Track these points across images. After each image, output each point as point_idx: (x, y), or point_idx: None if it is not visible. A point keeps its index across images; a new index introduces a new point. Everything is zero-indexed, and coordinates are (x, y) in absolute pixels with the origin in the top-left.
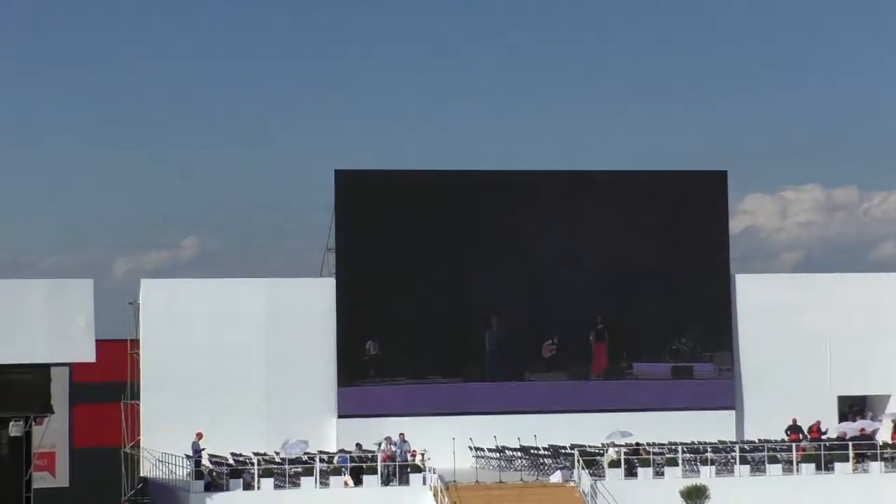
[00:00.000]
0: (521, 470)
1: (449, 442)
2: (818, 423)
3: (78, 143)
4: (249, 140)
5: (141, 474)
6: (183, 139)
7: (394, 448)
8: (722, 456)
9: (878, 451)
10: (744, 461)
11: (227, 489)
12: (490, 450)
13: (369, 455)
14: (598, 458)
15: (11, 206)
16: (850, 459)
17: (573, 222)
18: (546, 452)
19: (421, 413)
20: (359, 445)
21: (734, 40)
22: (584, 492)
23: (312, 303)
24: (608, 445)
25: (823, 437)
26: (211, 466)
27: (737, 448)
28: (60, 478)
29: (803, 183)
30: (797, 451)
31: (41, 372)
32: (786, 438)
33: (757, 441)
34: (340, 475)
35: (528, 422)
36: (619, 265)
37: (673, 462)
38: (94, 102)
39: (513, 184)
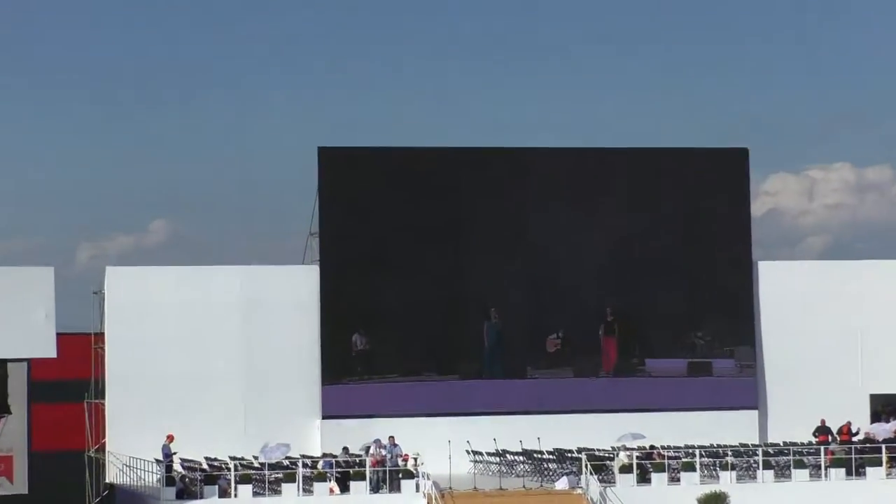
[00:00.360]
0: (523, 476)
1: (444, 445)
2: (849, 423)
3: (35, 116)
4: (224, 114)
5: (106, 480)
6: (151, 112)
7: (384, 452)
8: (743, 460)
9: None
10: (767, 466)
11: (201, 497)
12: (489, 454)
13: (357, 460)
14: (608, 462)
15: None
16: (884, 464)
17: (580, 204)
18: (550, 456)
19: (413, 413)
20: (346, 449)
21: (757, 7)
22: (592, 499)
23: (294, 292)
24: (619, 449)
25: (854, 439)
26: (183, 472)
27: (759, 451)
28: (18, 484)
29: (831, 161)
30: (826, 454)
31: None
32: (813, 441)
33: (782, 444)
34: (325, 481)
35: (531, 423)
36: (631, 252)
37: (690, 467)
38: (54, 73)
39: (514, 161)
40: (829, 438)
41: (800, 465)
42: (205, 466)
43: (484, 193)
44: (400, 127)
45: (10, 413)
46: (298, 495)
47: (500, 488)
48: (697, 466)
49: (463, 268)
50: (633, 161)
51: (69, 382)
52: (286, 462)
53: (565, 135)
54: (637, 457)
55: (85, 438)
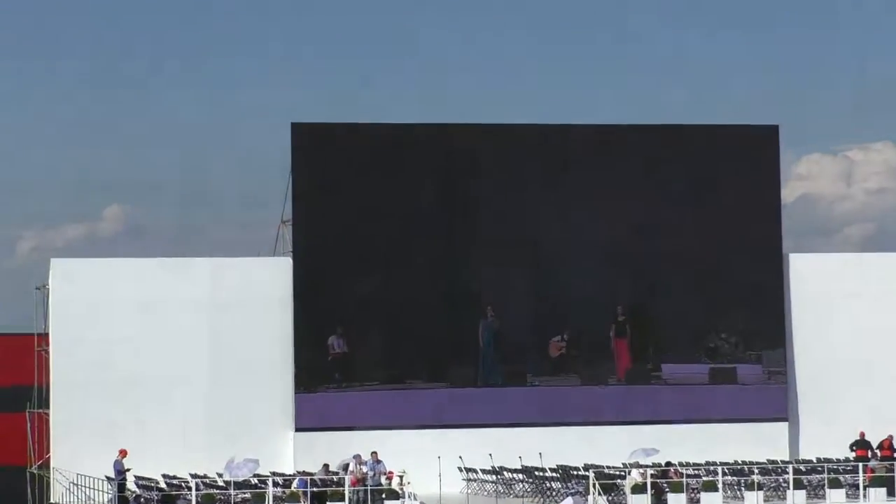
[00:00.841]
0: (522, 496)
1: (433, 461)
2: (891, 437)
3: None
4: (187, 89)
5: (52, 500)
6: (104, 88)
7: (365, 469)
8: (772, 479)
9: None
10: (799, 485)
11: None
12: (485, 471)
13: (334, 478)
14: (619, 481)
15: None
16: None
17: (589, 188)
18: (554, 474)
19: (399, 425)
20: (325, 466)
21: None
22: None
23: (265, 288)
24: (631, 466)
25: None
26: (138, 491)
27: (790, 469)
28: None
29: (872, 140)
30: (865, 472)
31: None
32: (851, 457)
33: (815, 460)
34: (299, 503)
35: (532, 436)
36: (645, 243)
37: (711, 486)
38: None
39: (515, 140)
40: (869, 454)
41: (835, 484)
42: (162, 485)
43: (482, 175)
44: (385, 102)
45: None
46: None
47: None
48: (720, 486)
49: (456, 260)
50: (647, 140)
51: (9, 390)
52: (254, 480)
53: (573, 111)
54: (651, 475)
55: (26, 453)
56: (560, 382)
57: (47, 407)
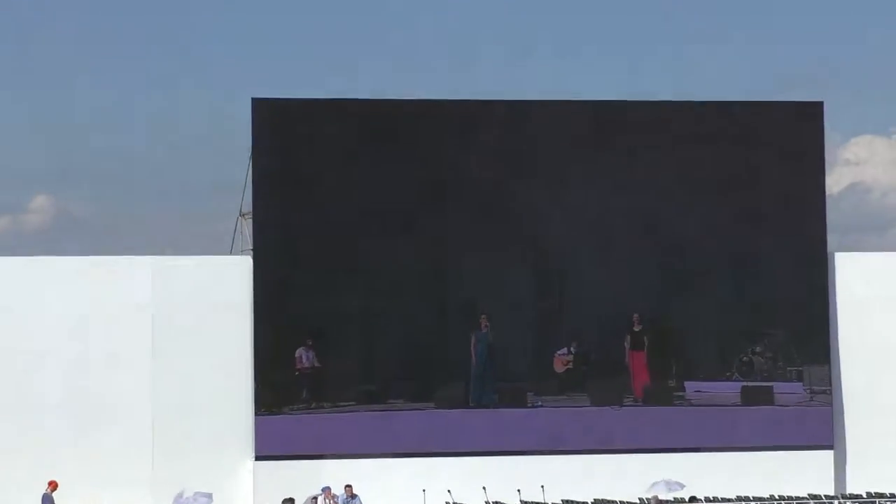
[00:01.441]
0: None
1: (418, 495)
2: None
3: None
4: (128, 59)
5: None
6: (33, 59)
7: None
8: None
9: None
10: None
11: None
12: None
13: None
14: None
15: None
16: None
17: (601, 176)
18: None
19: (377, 453)
20: (289, 502)
21: None
22: None
23: (220, 292)
24: (650, 501)
25: None
26: None
27: None
28: None
29: None
30: None
31: None
32: None
33: (865, 495)
34: None
35: (534, 466)
36: (667, 241)
37: None
38: None
39: (511, 118)
40: None
41: None
42: None
43: (475, 163)
44: (364, 77)
45: None
46: None
47: None
48: None
49: (445, 261)
50: (668, 119)
51: None
52: None
53: (583, 85)
54: None
55: None
56: (566, 403)
57: None
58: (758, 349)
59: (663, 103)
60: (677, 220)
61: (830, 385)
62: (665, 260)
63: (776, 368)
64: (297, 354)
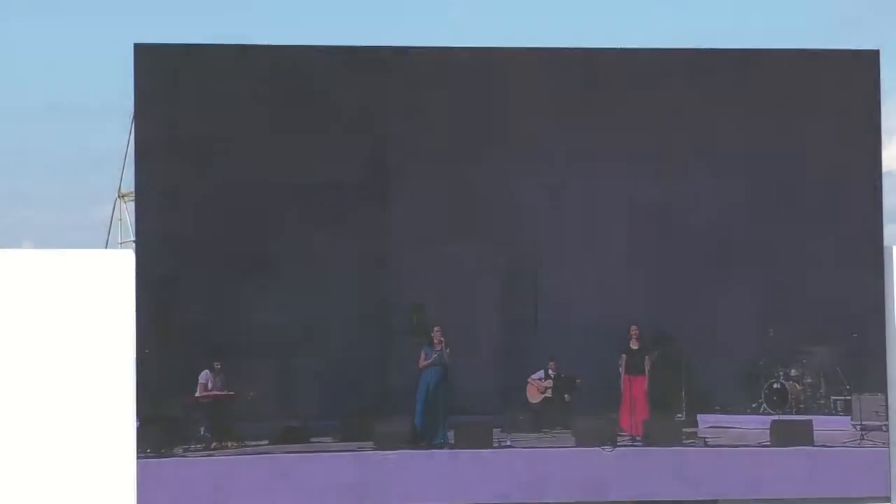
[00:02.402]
0: None
1: None
2: None
3: None
4: None
5: None
6: None
7: None
8: None
9: None
10: None
11: None
12: None
13: None
14: None
15: None
16: None
17: (590, 147)
18: None
19: None
20: None
21: None
22: None
23: (91, 296)
24: None
25: None
26: None
27: None
28: None
29: None
30: None
31: None
32: None
33: None
34: None
35: None
36: (676, 231)
37: None
38: None
39: (474, 71)
40: None
41: None
42: None
43: (425, 130)
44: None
45: None
46: None
47: None
48: None
49: (384, 256)
50: (676, 72)
51: None
52: None
53: (573, 31)
54: None
55: None
56: (543, 442)
57: None
58: (793, 373)
59: (670, 52)
60: (688, 204)
61: (888, 420)
62: (672, 255)
63: (816, 398)
64: (201, 379)
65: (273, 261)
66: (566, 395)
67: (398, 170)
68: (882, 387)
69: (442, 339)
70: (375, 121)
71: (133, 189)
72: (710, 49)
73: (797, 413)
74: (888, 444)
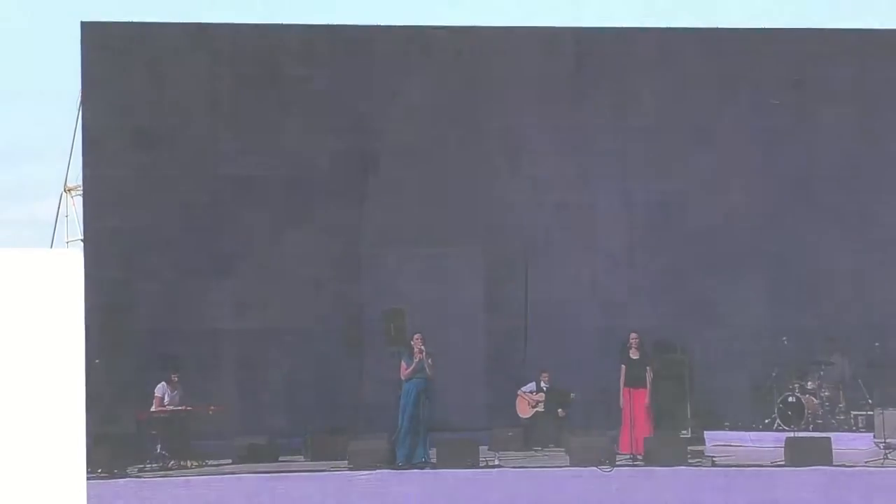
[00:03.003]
0: None
1: None
2: None
3: None
4: None
5: None
6: None
7: None
8: None
9: None
10: None
11: None
12: None
13: None
14: None
15: None
16: None
17: (584, 133)
18: None
19: None
20: None
21: None
22: None
23: (36, 299)
24: None
25: None
26: None
27: None
28: None
29: None
30: None
31: None
32: None
33: None
34: None
35: None
36: (680, 226)
37: None
38: None
39: (454, 52)
40: None
41: None
42: None
43: (401, 118)
44: None
45: None
46: None
47: None
48: None
49: (359, 257)
50: (680, 51)
51: None
52: None
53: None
54: None
55: None
56: (535, 461)
57: None
58: (809, 384)
59: (670, 32)
60: (695, 195)
61: None
62: (675, 256)
63: (835, 413)
64: (157, 392)
65: (235, 262)
66: (560, 410)
67: (373, 162)
68: None
69: (423, 348)
70: (346, 108)
71: (80, 182)
72: (715, 29)
73: (814, 429)
74: None
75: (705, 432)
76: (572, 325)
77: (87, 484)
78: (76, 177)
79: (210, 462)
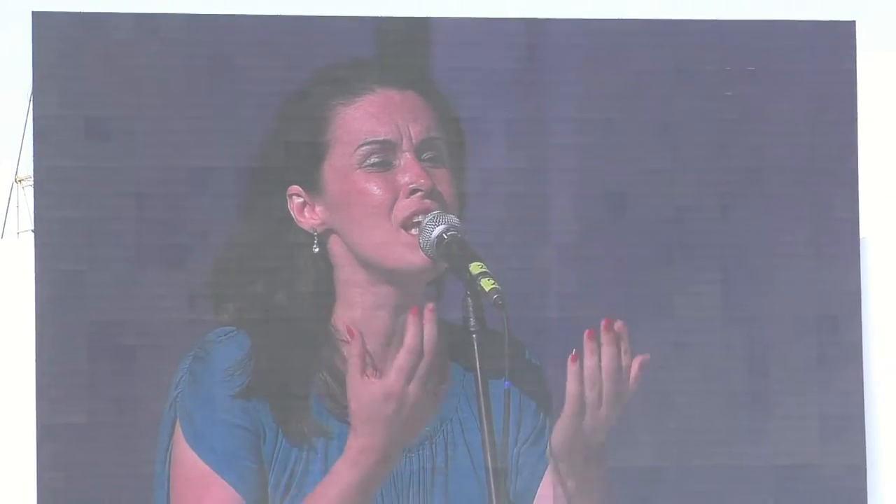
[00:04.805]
0: None
1: None
2: None
3: None
4: None
5: None
6: None
7: None
8: None
9: None
10: None
11: None
12: None
13: None
14: None
15: None
16: None
17: (535, 125)
18: None
19: None
20: None
21: None
22: None
23: None
24: None
25: None
26: None
27: None
28: None
29: None
30: None
31: None
32: None
33: None
34: None
35: None
36: (629, 218)
37: None
38: None
39: (420, 41)
40: None
41: None
42: None
43: (365, 109)
44: None
45: None
46: None
47: None
48: None
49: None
50: (636, 41)
51: None
52: None
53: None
54: None
55: None
56: None
57: None
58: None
59: (625, 23)
60: (643, 190)
61: (864, 440)
62: (625, 248)
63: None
64: None
65: (189, 253)
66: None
67: (327, 152)
68: (858, 386)
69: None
70: (308, 98)
71: (32, 173)
72: (666, 20)
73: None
74: (863, 469)
75: None
76: (518, 321)
77: (39, 497)
78: (27, 166)
79: None
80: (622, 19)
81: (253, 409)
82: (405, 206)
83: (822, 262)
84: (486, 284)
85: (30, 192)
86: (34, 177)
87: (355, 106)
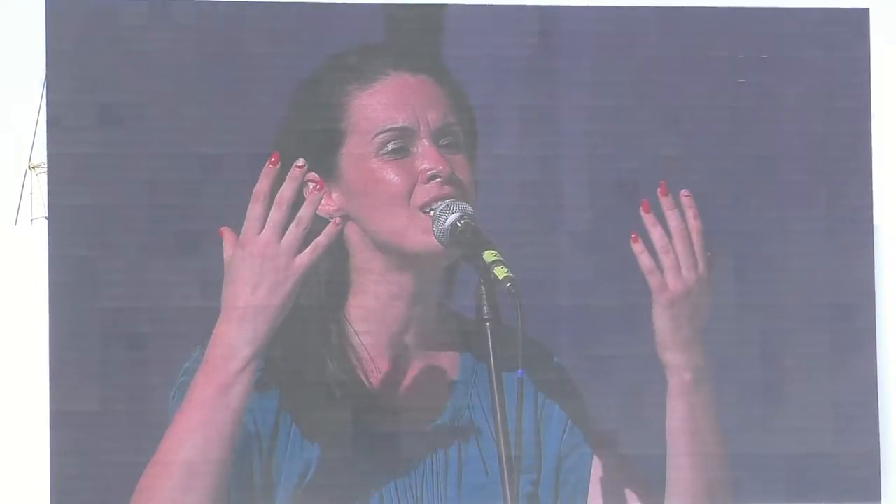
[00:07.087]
0: None
1: None
2: None
3: None
4: None
5: None
6: None
7: None
8: None
9: None
10: None
11: None
12: None
13: None
14: None
15: None
16: None
17: (542, 113)
18: None
19: None
20: None
21: None
22: None
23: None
24: None
25: None
26: None
27: None
28: None
29: None
30: None
31: None
32: None
33: None
34: None
35: None
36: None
37: None
38: None
39: (429, 30)
40: None
41: None
42: None
43: (381, 98)
44: None
45: None
46: None
47: None
48: None
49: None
50: (646, 28)
51: None
52: None
53: None
54: None
55: None
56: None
57: None
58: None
59: (636, 10)
60: (660, 175)
61: (878, 431)
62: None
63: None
64: None
65: (202, 240)
66: None
67: (340, 140)
68: (873, 374)
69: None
70: (322, 85)
71: (45, 160)
72: (674, 8)
73: None
74: (877, 457)
75: None
76: (529, 316)
77: (51, 463)
78: (41, 153)
79: None
80: (635, 6)
81: (259, 404)
82: (424, 191)
83: (836, 250)
84: (500, 272)
85: (43, 178)
86: (47, 163)
87: (370, 91)
